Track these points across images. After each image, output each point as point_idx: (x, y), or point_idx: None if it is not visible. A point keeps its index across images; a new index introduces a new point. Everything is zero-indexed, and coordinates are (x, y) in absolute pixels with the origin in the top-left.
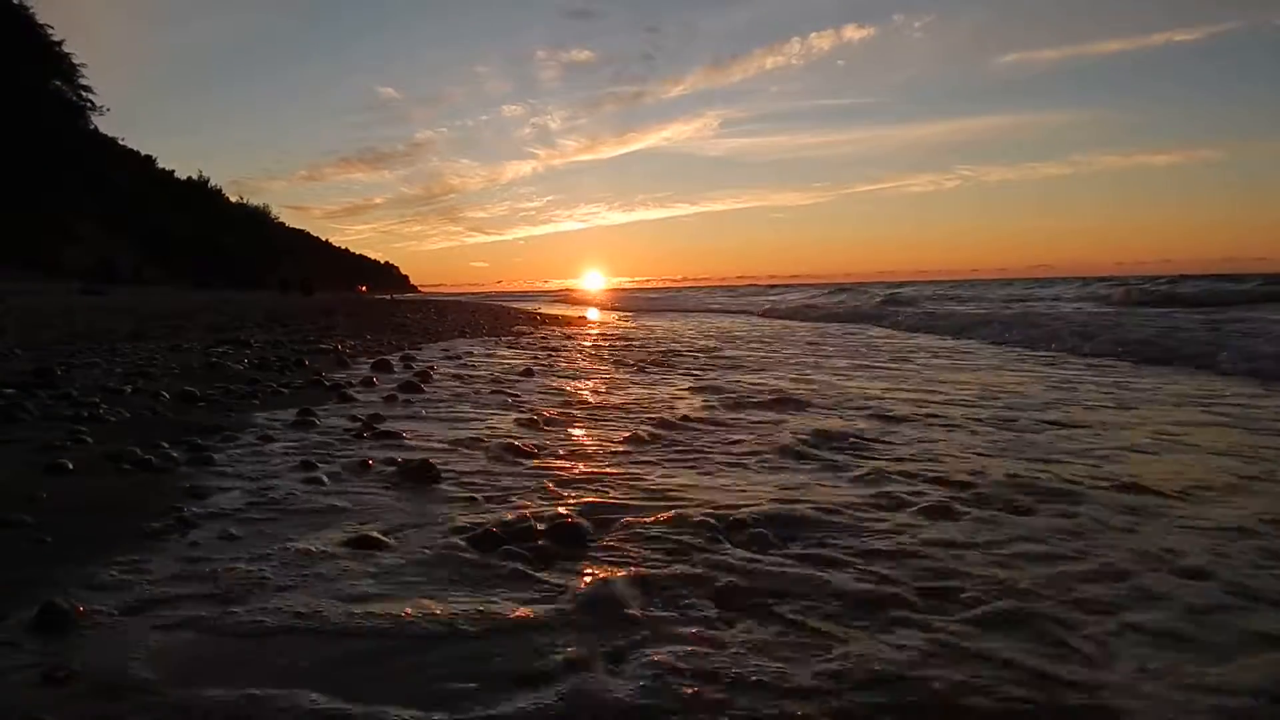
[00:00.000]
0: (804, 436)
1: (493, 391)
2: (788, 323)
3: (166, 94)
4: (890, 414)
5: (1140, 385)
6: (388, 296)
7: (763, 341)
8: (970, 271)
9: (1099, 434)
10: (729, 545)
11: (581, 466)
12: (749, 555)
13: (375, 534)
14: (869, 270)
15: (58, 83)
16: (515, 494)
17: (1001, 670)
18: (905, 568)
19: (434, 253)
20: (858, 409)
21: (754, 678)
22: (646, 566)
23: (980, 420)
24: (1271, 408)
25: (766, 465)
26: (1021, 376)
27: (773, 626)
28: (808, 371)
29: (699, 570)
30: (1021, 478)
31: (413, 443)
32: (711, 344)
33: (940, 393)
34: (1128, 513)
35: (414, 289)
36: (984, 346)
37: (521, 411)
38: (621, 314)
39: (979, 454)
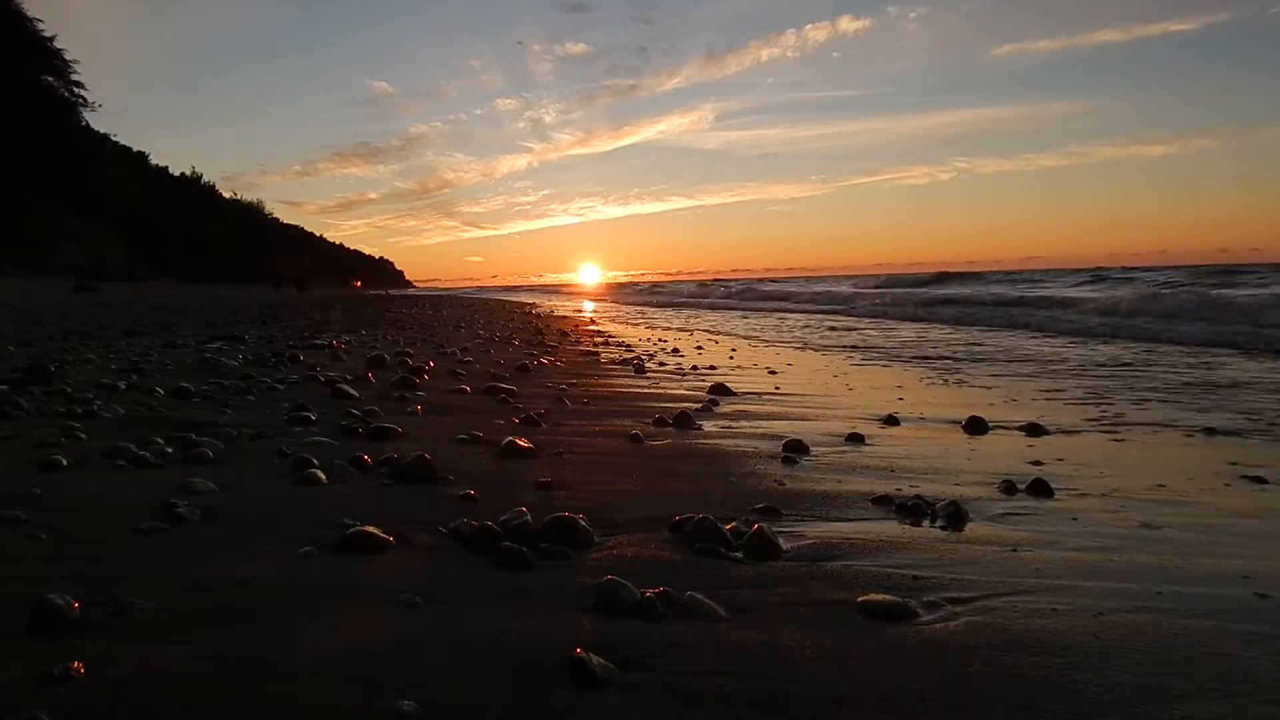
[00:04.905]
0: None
1: (487, 388)
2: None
3: (159, 90)
4: None
5: None
6: (383, 292)
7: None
8: (965, 263)
9: None
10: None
11: (581, 464)
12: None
13: (374, 531)
14: (865, 263)
15: (49, 79)
16: (513, 491)
17: None
18: None
19: (429, 248)
20: None
21: None
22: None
23: None
24: None
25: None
26: None
27: None
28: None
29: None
30: None
31: (408, 439)
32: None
33: None
34: None
35: (409, 284)
36: None
37: (518, 409)
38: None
39: None
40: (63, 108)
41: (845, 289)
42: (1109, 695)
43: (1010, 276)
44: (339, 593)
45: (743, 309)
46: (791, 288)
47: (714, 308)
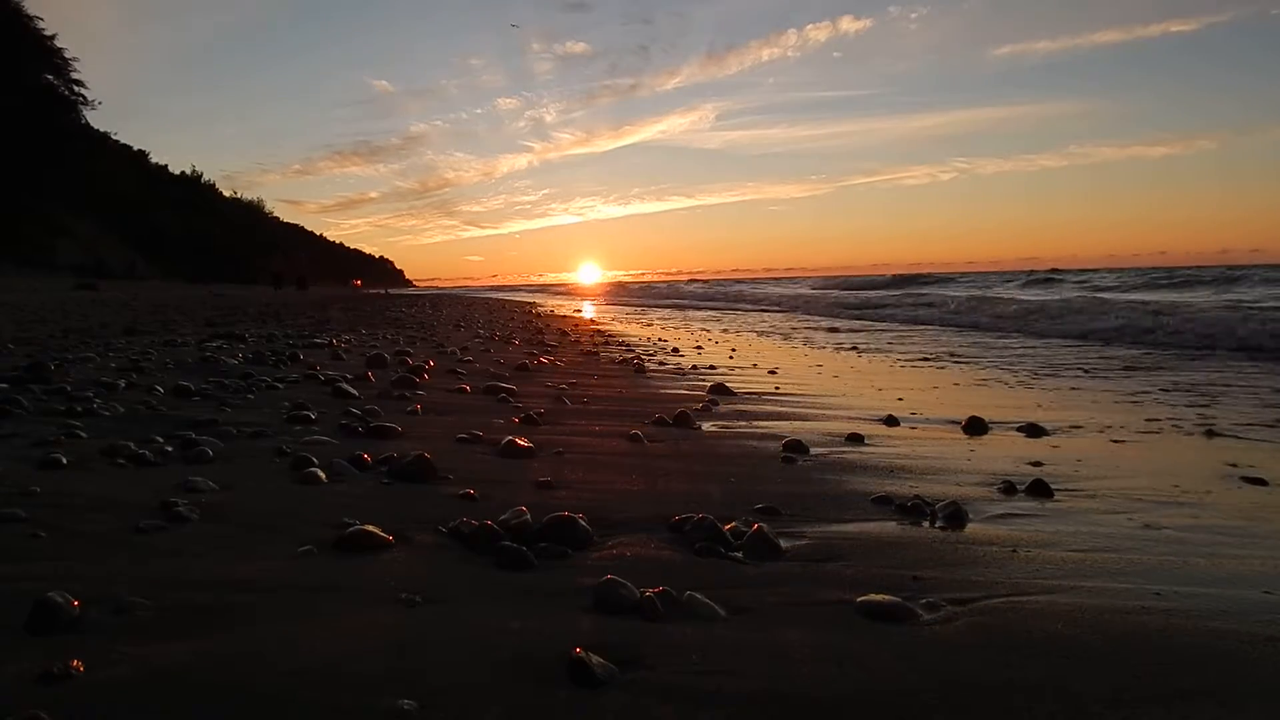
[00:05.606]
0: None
1: (487, 387)
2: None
3: (159, 88)
4: None
5: None
6: (382, 291)
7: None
8: (966, 264)
9: None
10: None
11: (581, 464)
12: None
13: (373, 530)
14: (864, 263)
15: (49, 77)
16: (513, 491)
17: None
18: None
19: (429, 247)
20: None
21: None
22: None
23: None
24: None
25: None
26: None
27: None
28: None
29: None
30: None
31: (408, 438)
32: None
33: None
34: None
35: (409, 283)
36: None
37: (518, 408)
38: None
39: None
40: (63, 106)
41: (806, 290)
42: (1109, 696)
43: (1003, 277)
44: (339, 592)
45: (711, 308)
46: (773, 289)
47: (696, 307)
